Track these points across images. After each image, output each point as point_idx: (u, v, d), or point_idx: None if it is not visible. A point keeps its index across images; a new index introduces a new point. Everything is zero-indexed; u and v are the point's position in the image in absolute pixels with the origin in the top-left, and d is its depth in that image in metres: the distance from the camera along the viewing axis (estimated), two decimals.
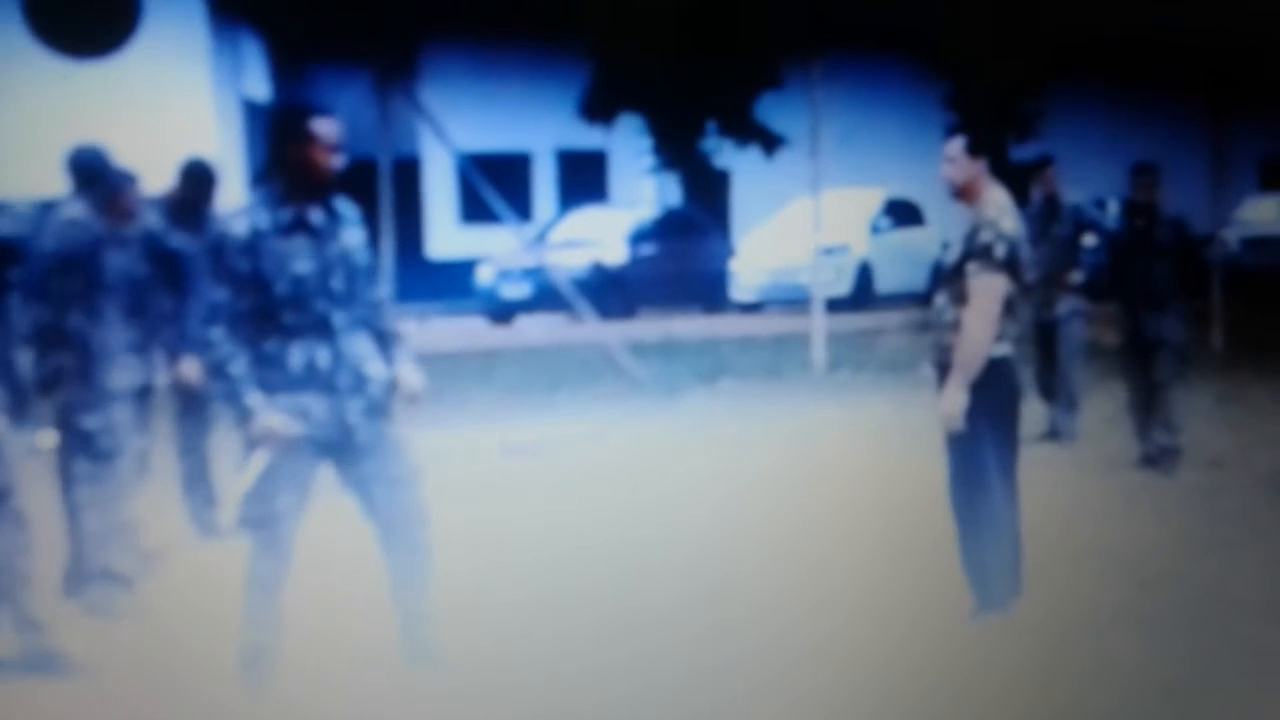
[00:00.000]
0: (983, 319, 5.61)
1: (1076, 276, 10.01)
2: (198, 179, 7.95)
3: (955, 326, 5.68)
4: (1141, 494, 8.23)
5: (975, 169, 5.77)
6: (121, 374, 6.55)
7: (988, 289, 5.63)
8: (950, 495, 5.77)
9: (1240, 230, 23.92)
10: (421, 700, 5.05)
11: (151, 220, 7.45)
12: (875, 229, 22.69)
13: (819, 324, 14.28)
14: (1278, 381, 12.06)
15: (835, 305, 16.79)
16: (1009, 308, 5.70)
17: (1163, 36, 21.44)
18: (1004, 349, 5.71)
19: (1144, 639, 5.52)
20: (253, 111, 24.23)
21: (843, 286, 21.05)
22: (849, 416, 11.29)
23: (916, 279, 22.14)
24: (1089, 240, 10.27)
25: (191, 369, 7.37)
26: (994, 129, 21.97)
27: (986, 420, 5.66)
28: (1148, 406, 9.00)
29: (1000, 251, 5.65)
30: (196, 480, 7.90)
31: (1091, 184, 19.35)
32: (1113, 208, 20.59)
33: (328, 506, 5.49)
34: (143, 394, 7.14)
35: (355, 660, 5.36)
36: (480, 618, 5.97)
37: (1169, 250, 9.06)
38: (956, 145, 5.80)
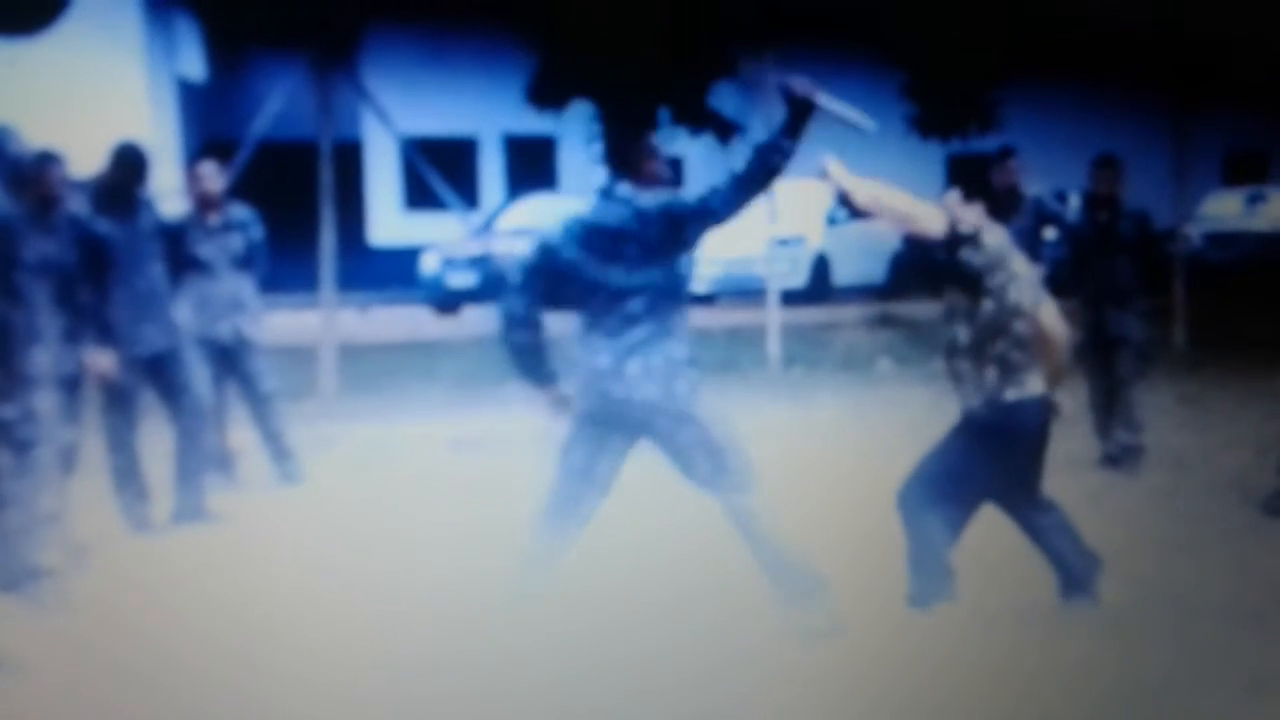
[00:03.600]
0: (909, 204, 5.62)
1: (1037, 270, 9.87)
2: (129, 164, 7.71)
3: (965, 351, 5.62)
4: (1103, 495, 8.12)
5: (970, 214, 5.69)
6: (45, 362, 6.29)
7: (930, 209, 5.61)
8: (907, 491, 5.69)
9: (1203, 225, 23.87)
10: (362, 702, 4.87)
11: (77, 204, 7.17)
12: (832, 220, 22.51)
13: (774, 317, 14.08)
14: (1241, 381, 12.01)
15: (791, 298, 16.61)
16: (997, 329, 5.58)
17: (1126, 28, 21.41)
18: (1016, 393, 5.61)
19: (1104, 642, 5.40)
20: (187, 91, 23.83)
21: (799, 278, 20.87)
22: (804, 416, 11.13)
23: (874, 271, 21.99)
24: (1050, 233, 10.11)
25: (105, 360, 7.09)
26: (952, 119, 21.84)
27: (984, 465, 5.62)
28: (1109, 405, 8.91)
29: (971, 256, 5.60)
30: (127, 475, 7.73)
31: (1053, 176, 19.27)
32: (1074, 200, 20.47)
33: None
34: (71, 385, 6.93)
35: (336, 663, 5.25)
36: (426, 617, 5.83)
37: (1131, 245, 8.95)
38: (952, 197, 5.74)
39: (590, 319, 5.40)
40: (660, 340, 5.30)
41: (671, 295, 5.35)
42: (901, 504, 5.71)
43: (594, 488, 5.53)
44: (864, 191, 5.57)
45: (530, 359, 5.53)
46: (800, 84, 5.34)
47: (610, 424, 5.40)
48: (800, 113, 5.31)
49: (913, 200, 5.67)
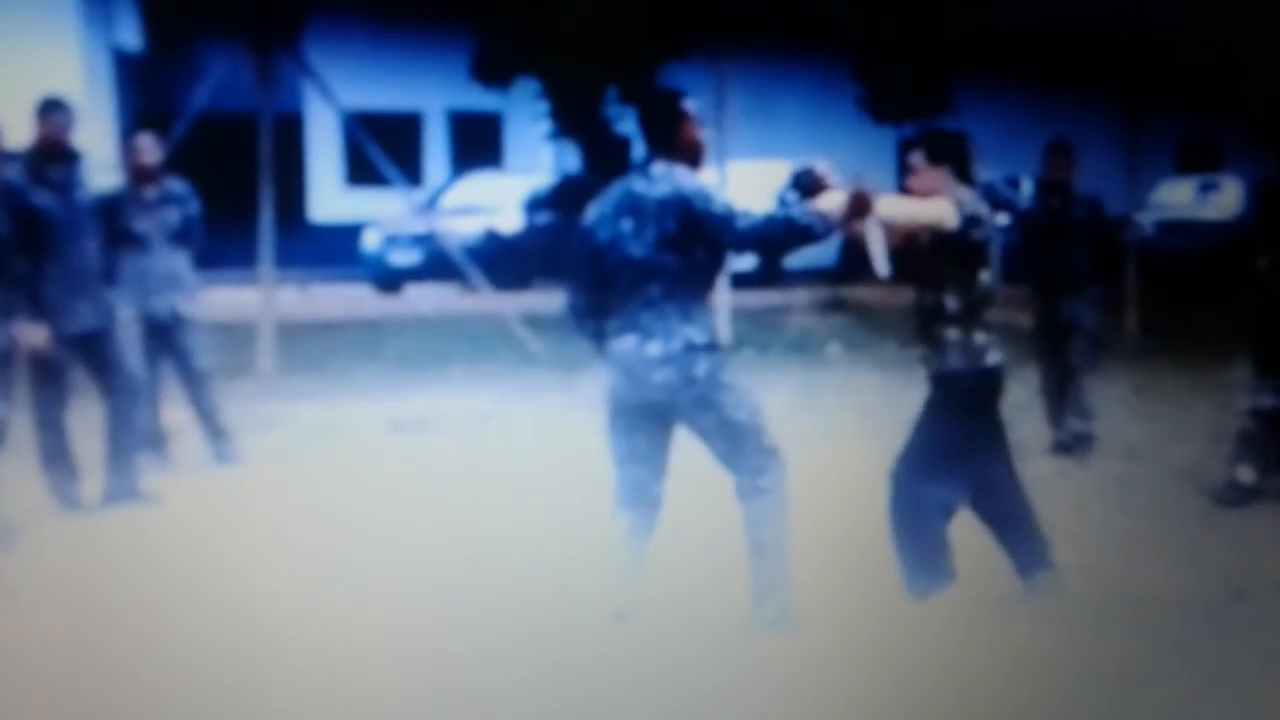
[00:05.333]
0: (925, 208, 5.52)
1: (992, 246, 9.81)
2: (53, 113, 7.48)
3: (954, 319, 5.58)
4: (1054, 483, 8.09)
5: (937, 177, 5.64)
6: None
7: (940, 204, 5.53)
8: (897, 476, 5.70)
9: (1155, 213, 23.95)
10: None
11: (12, 174, 7.00)
12: (783, 202, 22.36)
13: (724, 300, 13.99)
14: (1192, 370, 12.04)
15: (741, 280, 16.52)
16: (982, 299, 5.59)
17: (1079, 16, 21.46)
18: (996, 357, 5.63)
19: (1055, 632, 5.37)
20: (123, 61, 23.46)
21: (748, 261, 20.77)
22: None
23: (825, 255, 21.87)
24: (1002, 219, 10.04)
25: (37, 335, 6.90)
26: (904, 102, 21.78)
27: (959, 431, 5.62)
28: (1061, 392, 8.91)
29: (976, 234, 5.57)
30: (56, 453, 7.56)
31: (1005, 162, 19.28)
32: (1026, 187, 20.48)
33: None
34: (2, 360, 6.78)
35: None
36: (362, 602, 5.74)
37: (1083, 231, 8.92)
38: (918, 156, 5.69)
39: (616, 301, 5.31)
40: (679, 325, 5.21)
41: (689, 281, 5.23)
42: (894, 489, 5.68)
43: (647, 469, 5.40)
44: (886, 207, 5.45)
45: (603, 346, 5.46)
46: (866, 194, 5.25)
47: (636, 406, 5.30)
48: (843, 220, 5.28)
49: (922, 203, 5.58)
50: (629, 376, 5.27)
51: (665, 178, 5.27)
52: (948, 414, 5.64)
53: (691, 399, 5.22)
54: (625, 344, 5.28)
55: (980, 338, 5.60)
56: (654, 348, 5.21)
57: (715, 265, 5.33)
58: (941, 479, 5.60)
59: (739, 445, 5.26)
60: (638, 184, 5.31)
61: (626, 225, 5.26)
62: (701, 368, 5.20)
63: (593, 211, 5.41)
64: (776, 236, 5.28)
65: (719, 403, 5.22)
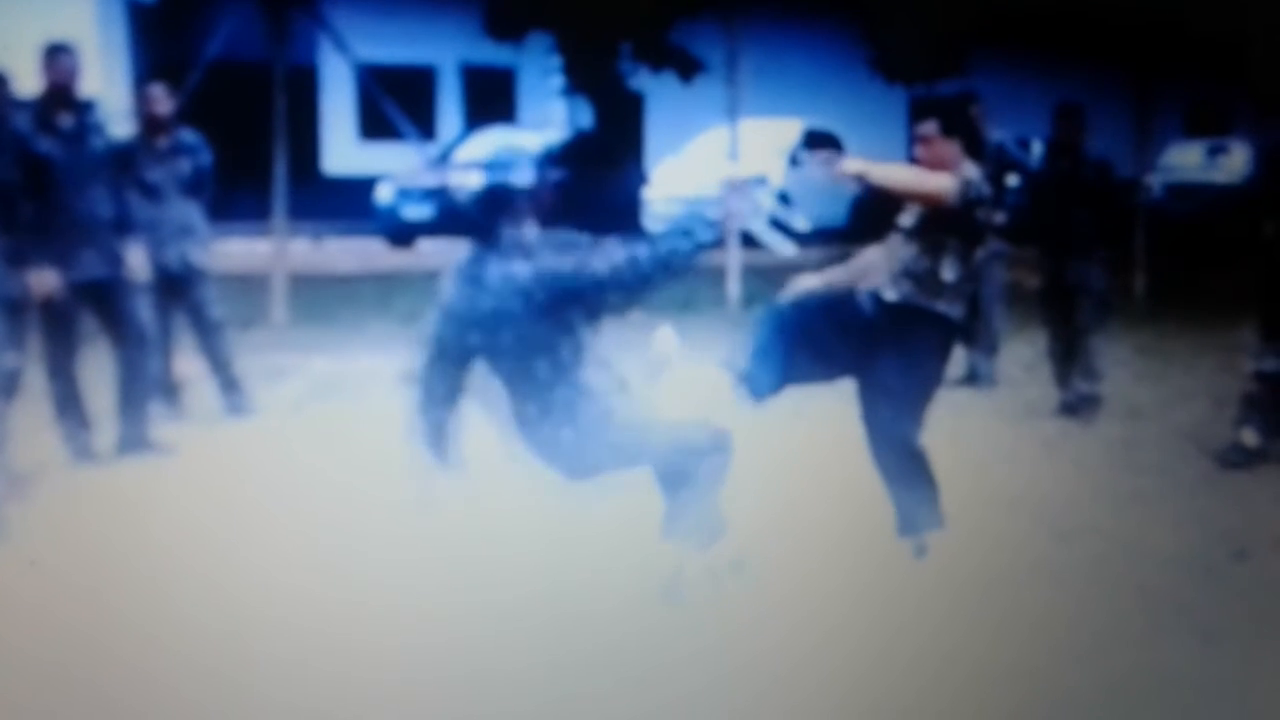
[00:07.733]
0: (919, 180, 5.48)
1: (998, 217, 9.79)
2: (58, 58, 7.45)
3: (950, 287, 5.57)
4: (1060, 443, 8.14)
5: (950, 150, 5.60)
6: None
7: (943, 180, 5.48)
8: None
9: (1164, 176, 23.87)
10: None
11: (20, 122, 7.01)
12: (794, 161, 22.39)
13: (734, 257, 14.00)
14: (1198, 332, 12.05)
15: (751, 238, 16.48)
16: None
17: None
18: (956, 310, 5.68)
19: (1060, 592, 5.40)
20: (137, 11, 23.36)
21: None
22: None
23: (836, 213, 21.90)
24: (1011, 180, 10.03)
25: (48, 280, 6.93)
26: (917, 63, 21.67)
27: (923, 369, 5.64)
28: (1068, 353, 8.93)
29: (976, 191, 5.55)
30: (68, 403, 7.57)
31: (1015, 124, 19.11)
32: (1037, 148, 20.36)
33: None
34: (14, 309, 6.76)
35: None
36: (371, 552, 5.76)
37: (1092, 193, 8.90)
38: (931, 127, 5.63)
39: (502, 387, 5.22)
40: (576, 397, 5.04)
41: (567, 347, 5.06)
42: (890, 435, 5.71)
43: None
44: (879, 172, 5.44)
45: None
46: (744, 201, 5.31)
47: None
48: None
49: (921, 176, 5.54)
50: (564, 465, 5.12)
51: (515, 248, 5.12)
52: (935, 354, 5.67)
53: (620, 462, 5.09)
54: (538, 434, 5.08)
55: (960, 306, 5.64)
56: (567, 433, 5.01)
57: (592, 319, 5.05)
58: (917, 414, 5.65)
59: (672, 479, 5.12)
60: (488, 264, 5.10)
61: (488, 304, 5.06)
62: (615, 434, 4.99)
63: (443, 299, 5.14)
64: (669, 263, 5.10)
65: (635, 450, 5.06)
